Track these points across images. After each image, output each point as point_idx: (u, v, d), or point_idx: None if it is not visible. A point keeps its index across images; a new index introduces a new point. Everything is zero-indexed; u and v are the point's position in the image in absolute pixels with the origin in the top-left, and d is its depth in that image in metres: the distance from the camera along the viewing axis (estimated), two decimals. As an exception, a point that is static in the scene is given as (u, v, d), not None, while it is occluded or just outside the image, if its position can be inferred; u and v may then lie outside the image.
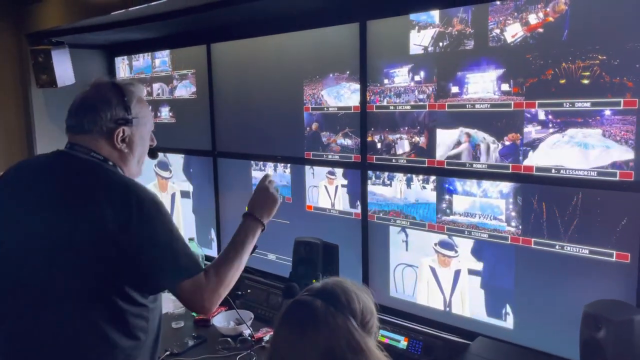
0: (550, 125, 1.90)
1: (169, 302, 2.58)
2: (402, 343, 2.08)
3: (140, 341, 1.46)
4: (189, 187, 3.50)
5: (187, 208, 3.54)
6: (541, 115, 1.92)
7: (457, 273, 2.20)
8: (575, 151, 1.86)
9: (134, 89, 1.56)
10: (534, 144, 1.95)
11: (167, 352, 2.17)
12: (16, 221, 1.45)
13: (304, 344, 1.02)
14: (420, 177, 2.29)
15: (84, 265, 1.37)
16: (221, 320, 2.40)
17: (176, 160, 3.55)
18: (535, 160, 1.95)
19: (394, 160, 2.36)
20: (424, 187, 2.28)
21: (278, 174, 2.89)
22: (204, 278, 1.43)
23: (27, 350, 1.41)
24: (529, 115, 1.95)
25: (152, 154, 1.70)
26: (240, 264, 1.55)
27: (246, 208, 1.71)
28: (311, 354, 1.01)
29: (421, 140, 2.26)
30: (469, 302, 2.18)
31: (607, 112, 1.78)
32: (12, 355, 1.43)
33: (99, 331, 1.39)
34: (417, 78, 2.24)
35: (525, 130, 1.96)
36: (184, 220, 3.55)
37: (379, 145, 2.41)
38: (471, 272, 2.16)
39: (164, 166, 3.65)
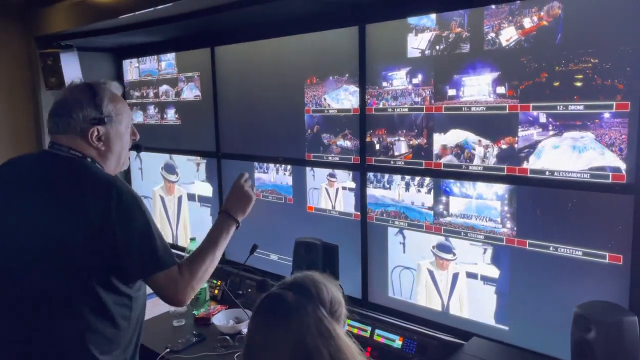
0: (545, 128, 1.92)
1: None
2: (397, 342, 2.10)
3: (122, 328, 1.52)
4: (202, 189, 3.52)
5: (194, 211, 3.58)
6: (535, 118, 1.94)
7: (455, 276, 2.22)
8: (568, 154, 1.87)
9: (106, 88, 1.60)
10: (528, 147, 1.96)
11: (167, 349, 2.22)
12: (4, 218, 1.52)
13: (277, 334, 1.08)
14: (417, 180, 2.31)
15: (69, 258, 1.42)
16: (221, 319, 2.44)
17: (183, 163, 3.61)
18: (531, 163, 1.96)
19: (392, 162, 2.38)
20: (419, 191, 2.31)
21: (279, 176, 2.93)
22: (177, 271, 1.49)
23: (20, 336, 1.48)
24: (523, 118, 1.97)
25: (137, 147, 1.76)
26: (213, 259, 1.61)
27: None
28: (284, 342, 1.07)
29: (419, 141, 2.28)
30: (467, 305, 2.20)
31: (600, 115, 1.79)
32: (8, 340, 1.50)
33: (84, 321, 1.44)
34: (414, 81, 2.27)
35: (520, 133, 1.98)
36: (191, 222, 3.60)
37: (377, 147, 2.44)
38: (469, 275, 2.18)
39: (171, 169, 3.70)
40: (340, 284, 2.08)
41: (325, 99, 2.62)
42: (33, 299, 1.46)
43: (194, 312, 2.55)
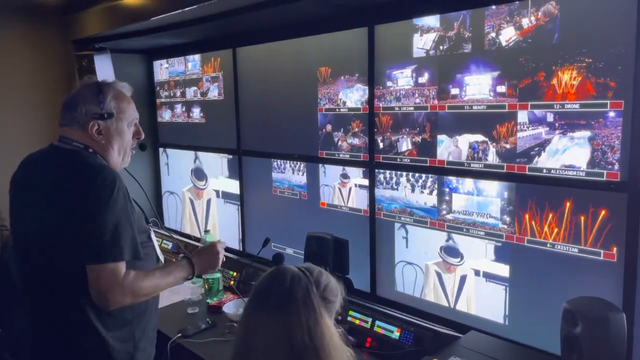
0: (543, 126, 1.95)
1: (186, 290, 2.77)
2: (395, 334, 2.17)
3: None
4: (226, 186, 3.64)
5: (220, 207, 3.73)
6: (535, 117, 1.97)
7: (463, 278, 2.26)
8: (563, 152, 1.90)
9: (113, 87, 1.72)
10: (534, 147, 1.99)
11: (179, 334, 2.35)
12: (20, 212, 1.70)
13: (271, 292, 1.23)
14: (420, 182, 2.37)
15: (65, 238, 1.54)
16: (231, 307, 2.56)
17: (209, 158, 3.76)
18: (530, 161, 2.00)
19: (399, 160, 2.44)
20: (422, 192, 2.36)
21: (294, 175, 3.03)
22: (122, 275, 1.52)
23: (42, 313, 1.65)
24: (522, 117, 2.00)
25: (141, 146, 1.87)
26: (156, 289, 1.67)
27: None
28: (273, 299, 1.21)
29: (422, 138, 2.34)
30: (474, 303, 2.24)
31: (594, 114, 1.81)
32: (33, 318, 1.68)
33: (84, 296, 1.55)
34: (420, 80, 2.32)
35: (519, 133, 2.01)
36: (220, 218, 3.75)
37: (381, 145, 2.50)
38: (476, 273, 2.22)
39: (200, 175, 3.84)
40: (349, 277, 2.18)
41: (340, 98, 2.69)
42: (45, 277, 1.61)
43: (207, 301, 2.68)
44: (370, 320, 2.27)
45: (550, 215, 1.96)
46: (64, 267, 1.56)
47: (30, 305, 1.70)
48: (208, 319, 2.51)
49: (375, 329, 2.24)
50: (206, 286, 2.72)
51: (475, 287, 2.21)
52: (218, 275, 2.75)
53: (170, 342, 2.30)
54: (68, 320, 1.59)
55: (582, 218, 1.88)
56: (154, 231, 1.93)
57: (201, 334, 2.36)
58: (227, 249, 3.24)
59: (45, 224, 1.57)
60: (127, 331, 1.66)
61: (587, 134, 1.84)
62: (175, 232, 4.10)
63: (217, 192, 3.71)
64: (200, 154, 3.81)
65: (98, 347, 1.60)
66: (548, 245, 1.98)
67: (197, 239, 3.72)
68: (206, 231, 2.88)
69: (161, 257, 1.91)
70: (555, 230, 1.96)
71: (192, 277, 1.80)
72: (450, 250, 2.29)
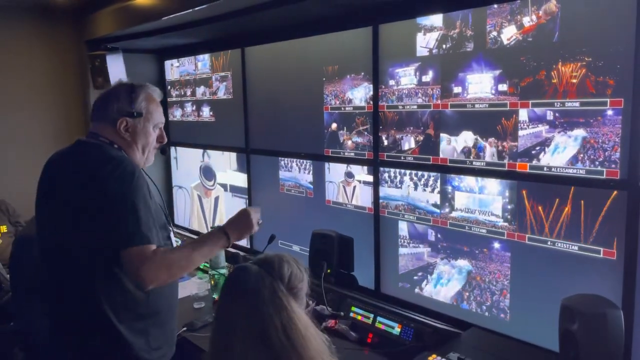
0: (544, 125, 1.96)
1: (193, 285, 2.82)
2: (396, 329, 2.19)
3: (136, 296, 1.65)
4: (234, 179, 3.69)
5: (230, 202, 3.78)
6: (534, 115, 1.98)
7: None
8: (564, 150, 1.90)
9: (145, 89, 1.80)
10: (536, 145, 2.00)
11: (184, 328, 2.40)
12: (45, 207, 1.74)
13: (237, 301, 1.20)
14: (422, 181, 2.40)
15: (85, 227, 1.59)
16: (237, 302, 2.59)
17: (219, 155, 3.81)
18: (530, 160, 2.01)
19: (402, 158, 2.47)
20: (424, 190, 2.39)
21: (301, 174, 3.06)
22: (151, 251, 1.54)
23: (69, 304, 1.69)
24: (523, 115, 2.01)
25: (162, 150, 1.93)
26: (190, 260, 1.65)
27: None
28: (241, 309, 1.18)
29: (425, 136, 2.36)
30: (467, 296, 2.26)
31: (594, 112, 1.82)
32: (57, 309, 1.74)
33: (99, 282, 1.60)
34: (424, 79, 2.34)
35: (521, 131, 2.02)
36: (228, 214, 3.79)
37: (385, 143, 2.53)
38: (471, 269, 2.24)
39: (209, 174, 3.90)
40: (353, 274, 2.17)
41: (347, 96, 2.72)
42: (67, 264, 1.66)
43: (213, 296, 2.73)
44: (372, 316, 2.30)
45: (551, 213, 1.97)
46: (82, 257, 1.61)
47: (50, 297, 1.75)
48: (214, 314, 2.55)
49: (377, 324, 2.26)
50: (212, 282, 2.76)
51: (474, 284, 2.22)
52: (224, 270, 2.79)
53: (176, 335, 2.34)
54: (84, 310, 1.64)
55: (582, 216, 1.89)
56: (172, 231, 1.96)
57: (207, 328, 2.40)
58: (235, 246, 3.32)
59: (69, 216, 1.62)
60: (141, 325, 1.69)
61: (586, 132, 1.84)
62: (185, 229, 4.17)
63: (224, 186, 3.76)
64: (209, 152, 3.86)
65: (112, 338, 1.64)
66: (549, 243, 1.99)
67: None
68: (213, 227, 2.92)
69: None
70: (556, 228, 1.96)
71: (229, 245, 1.77)
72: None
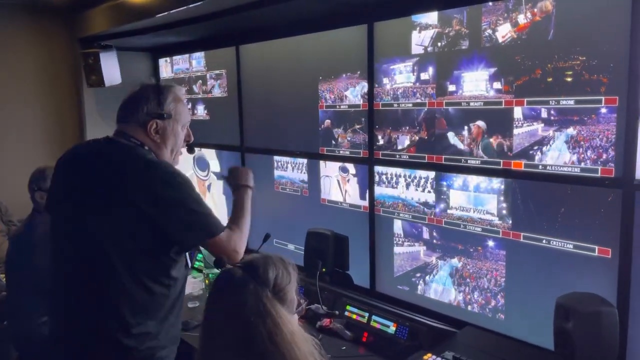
0: (539, 123, 1.95)
1: (187, 285, 2.80)
2: (391, 328, 2.18)
3: (158, 298, 1.67)
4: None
5: (221, 188, 3.77)
6: (529, 113, 1.98)
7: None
8: (558, 148, 1.90)
9: (172, 90, 1.81)
10: (527, 144, 2.00)
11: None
12: (71, 199, 1.72)
13: (220, 308, 1.17)
14: (416, 180, 2.40)
15: (120, 231, 1.60)
16: (232, 301, 2.58)
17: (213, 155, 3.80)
18: (526, 158, 2.01)
19: (397, 156, 2.46)
20: (416, 189, 2.39)
21: (295, 172, 3.05)
22: (230, 230, 1.73)
23: (86, 305, 1.68)
24: (518, 113, 2.00)
25: (190, 148, 1.98)
26: (248, 219, 1.85)
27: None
28: (224, 317, 1.15)
29: (420, 134, 2.35)
30: (460, 294, 2.26)
31: (589, 110, 1.82)
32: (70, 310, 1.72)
33: (121, 283, 1.61)
34: (418, 77, 2.33)
35: (516, 129, 2.02)
36: (219, 201, 3.78)
37: (381, 142, 2.52)
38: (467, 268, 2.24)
39: (203, 165, 3.89)
40: (349, 273, 2.19)
41: (344, 94, 2.71)
42: (89, 264, 1.65)
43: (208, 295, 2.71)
44: (366, 315, 2.30)
45: (546, 211, 1.97)
46: (120, 260, 1.61)
47: (63, 297, 1.74)
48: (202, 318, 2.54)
49: (372, 323, 2.26)
50: (206, 281, 2.75)
51: (470, 281, 2.23)
52: (218, 270, 2.78)
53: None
54: (102, 311, 1.65)
55: (577, 214, 1.89)
56: None
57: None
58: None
59: (114, 218, 1.62)
60: (154, 326, 1.70)
61: (581, 130, 1.84)
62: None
63: (217, 174, 3.76)
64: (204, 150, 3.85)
65: (123, 341, 1.64)
66: (544, 241, 1.99)
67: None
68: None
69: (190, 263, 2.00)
70: (551, 226, 1.96)
71: (253, 189, 1.94)
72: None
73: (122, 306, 1.62)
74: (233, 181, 1.95)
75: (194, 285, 2.78)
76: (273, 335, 1.12)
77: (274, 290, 1.18)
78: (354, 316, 2.33)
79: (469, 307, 2.24)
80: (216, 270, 2.75)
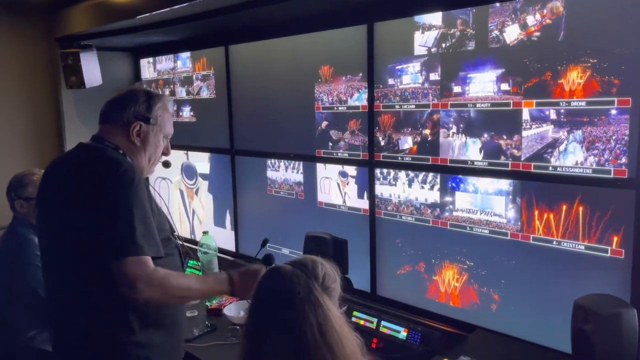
0: (548, 124, 1.95)
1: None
2: (402, 334, 2.15)
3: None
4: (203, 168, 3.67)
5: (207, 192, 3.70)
6: (538, 114, 1.97)
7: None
8: (572, 149, 1.90)
9: (162, 98, 1.78)
10: (538, 146, 1.99)
11: (181, 339, 2.30)
12: (45, 216, 1.68)
13: (271, 299, 1.20)
14: (420, 177, 2.36)
15: (93, 235, 1.50)
16: (232, 309, 2.52)
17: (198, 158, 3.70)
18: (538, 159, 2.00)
19: (399, 158, 2.43)
20: (422, 187, 2.36)
21: (289, 173, 2.99)
22: (152, 266, 1.48)
23: (70, 312, 1.61)
24: (527, 114, 2.00)
25: (165, 163, 1.90)
26: (189, 293, 1.61)
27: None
28: (276, 307, 1.18)
29: (424, 136, 2.33)
30: (470, 299, 2.24)
31: (601, 111, 1.82)
32: (60, 319, 1.65)
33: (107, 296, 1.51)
34: (420, 78, 2.31)
35: (524, 131, 2.01)
36: (207, 203, 3.71)
37: (382, 144, 2.49)
38: (472, 273, 2.22)
39: (190, 174, 3.79)
40: (348, 277, 2.16)
41: (344, 96, 2.66)
42: (70, 279, 1.58)
43: (206, 304, 2.63)
44: (375, 320, 2.26)
45: (557, 213, 1.97)
46: (82, 264, 1.54)
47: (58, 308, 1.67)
48: (207, 322, 2.47)
49: (381, 329, 2.22)
50: (204, 288, 2.67)
51: (474, 284, 2.21)
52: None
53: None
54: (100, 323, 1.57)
55: (589, 215, 1.89)
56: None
57: (203, 338, 2.32)
58: (220, 250, 3.23)
59: (68, 222, 1.55)
60: (159, 337, 1.64)
61: (593, 131, 1.84)
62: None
63: (203, 175, 3.68)
64: (191, 153, 3.75)
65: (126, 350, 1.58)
66: (554, 242, 1.98)
67: (193, 241, 3.66)
68: (204, 232, 2.83)
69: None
70: (562, 227, 1.96)
71: (228, 295, 1.73)
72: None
73: (130, 315, 1.56)
74: (240, 275, 1.70)
75: (190, 293, 2.69)
76: (323, 327, 1.14)
77: (323, 285, 1.22)
78: (362, 322, 2.29)
79: (473, 309, 2.23)
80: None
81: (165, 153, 1.83)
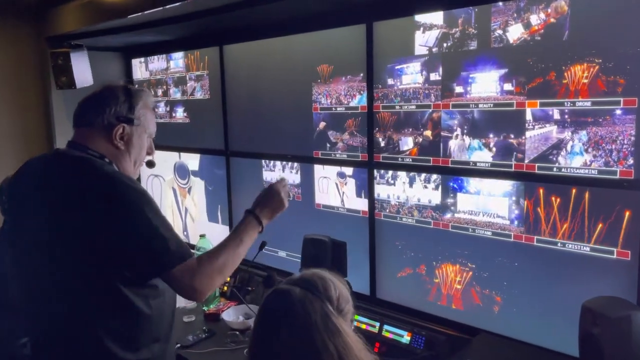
0: (551, 124, 1.93)
1: (180, 297, 2.65)
2: (405, 338, 2.12)
3: (141, 324, 1.52)
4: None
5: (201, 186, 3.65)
6: (542, 115, 1.95)
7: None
8: (577, 150, 1.88)
9: (143, 95, 1.64)
10: (543, 147, 1.97)
11: (178, 345, 2.25)
12: (22, 223, 1.56)
13: (284, 330, 1.09)
14: (423, 176, 2.33)
15: (77, 259, 1.44)
16: (231, 314, 2.47)
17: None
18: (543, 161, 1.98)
19: (399, 159, 2.40)
20: (426, 187, 2.32)
21: (286, 174, 2.95)
22: (196, 263, 1.48)
23: (49, 331, 1.53)
24: (531, 115, 1.97)
25: (149, 163, 1.77)
26: (235, 256, 1.57)
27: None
28: (291, 339, 1.07)
29: (425, 137, 2.30)
30: (472, 302, 2.21)
31: (607, 111, 1.80)
32: (40, 335, 1.57)
33: (98, 316, 1.46)
34: (421, 78, 2.28)
35: (528, 132, 1.98)
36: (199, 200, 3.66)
37: (382, 144, 2.45)
38: (475, 275, 2.19)
39: (183, 174, 3.73)
40: (347, 280, 2.11)
41: (342, 96, 2.62)
42: (51, 296, 1.50)
43: (203, 308, 2.59)
44: (377, 324, 2.22)
45: (561, 214, 1.94)
46: (87, 285, 1.46)
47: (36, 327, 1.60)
48: (205, 328, 2.42)
49: (384, 333, 2.19)
50: (202, 293, 2.61)
51: (478, 286, 2.18)
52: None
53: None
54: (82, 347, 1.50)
55: (595, 216, 1.87)
56: None
57: (201, 344, 2.27)
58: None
59: (69, 243, 1.45)
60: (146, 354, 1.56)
61: (599, 131, 1.82)
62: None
63: (195, 171, 3.63)
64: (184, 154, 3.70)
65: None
66: (559, 244, 1.96)
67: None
68: (201, 236, 2.77)
69: None
70: (566, 229, 1.94)
71: (262, 230, 1.67)
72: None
73: (105, 339, 1.48)
74: (258, 203, 1.71)
75: (187, 298, 2.64)
76: (343, 355, 1.05)
77: (338, 307, 1.12)
78: (364, 326, 2.26)
79: (476, 312, 2.20)
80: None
81: (149, 153, 1.72)
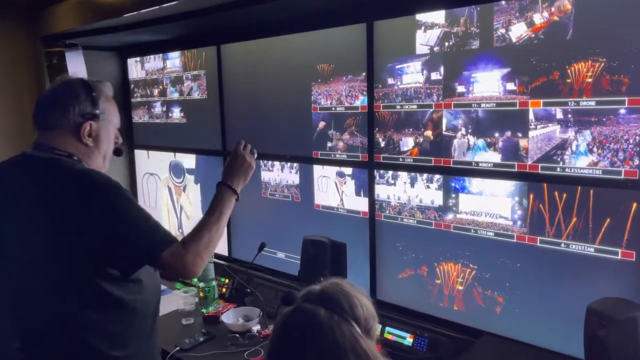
0: (554, 124, 1.91)
1: (179, 299, 2.63)
2: (408, 340, 2.10)
3: (129, 321, 1.51)
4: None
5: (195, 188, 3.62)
6: (546, 114, 1.93)
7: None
8: (581, 150, 1.87)
9: (103, 87, 1.59)
10: (546, 147, 1.95)
11: (177, 348, 2.22)
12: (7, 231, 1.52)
13: (309, 354, 1.01)
14: (425, 176, 2.30)
15: (59, 260, 1.42)
16: (230, 317, 2.44)
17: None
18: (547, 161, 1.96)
19: (400, 159, 2.38)
20: (428, 187, 2.30)
21: (285, 174, 2.92)
22: (181, 246, 1.47)
23: (34, 330, 1.52)
24: (534, 114, 1.96)
25: (117, 151, 1.72)
26: (218, 230, 1.56)
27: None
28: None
29: (425, 137, 2.28)
30: (474, 304, 2.20)
31: (611, 111, 1.78)
32: (24, 335, 1.56)
33: (85, 315, 1.44)
34: (422, 78, 2.26)
35: (531, 132, 1.97)
36: (194, 200, 3.63)
37: (382, 144, 2.43)
38: (477, 276, 2.17)
39: (178, 172, 3.70)
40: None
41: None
42: (36, 299, 1.48)
43: (202, 311, 2.55)
44: (379, 326, 2.20)
45: (565, 215, 1.93)
46: (68, 282, 1.45)
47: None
48: (204, 330, 2.38)
49: (386, 335, 2.17)
50: (201, 294, 2.59)
51: (481, 288, 2.17)
52: (214, 283, 2.62)
53: (168, 357, 2.17)
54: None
55: (599, 217, 1.85)
56: None
57: (200, 347, 2.23)
58: (216, 255, 3.14)
59: (46, 240, 1.44)
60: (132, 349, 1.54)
61: (603, 131, 1.81)
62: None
63: (189, 170, 3.60)
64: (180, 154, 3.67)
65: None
66: (562, 245, 1.95)
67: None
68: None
69: None
70: (570, 229, 1.92)
71: (238, 198, 1.66)
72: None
73: (90, 335, 1.47)
74: (226, 172, 1.68)
75: (185, 300, 2.61)
76: None
77: (366, 328, 1.03)
78: (365, 328, 2.23)
79: (479, 313, 2.18)
80: (212, 283, 2.62)
81: (116, 142, 1.67)
